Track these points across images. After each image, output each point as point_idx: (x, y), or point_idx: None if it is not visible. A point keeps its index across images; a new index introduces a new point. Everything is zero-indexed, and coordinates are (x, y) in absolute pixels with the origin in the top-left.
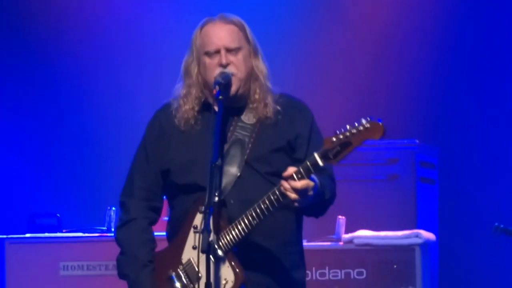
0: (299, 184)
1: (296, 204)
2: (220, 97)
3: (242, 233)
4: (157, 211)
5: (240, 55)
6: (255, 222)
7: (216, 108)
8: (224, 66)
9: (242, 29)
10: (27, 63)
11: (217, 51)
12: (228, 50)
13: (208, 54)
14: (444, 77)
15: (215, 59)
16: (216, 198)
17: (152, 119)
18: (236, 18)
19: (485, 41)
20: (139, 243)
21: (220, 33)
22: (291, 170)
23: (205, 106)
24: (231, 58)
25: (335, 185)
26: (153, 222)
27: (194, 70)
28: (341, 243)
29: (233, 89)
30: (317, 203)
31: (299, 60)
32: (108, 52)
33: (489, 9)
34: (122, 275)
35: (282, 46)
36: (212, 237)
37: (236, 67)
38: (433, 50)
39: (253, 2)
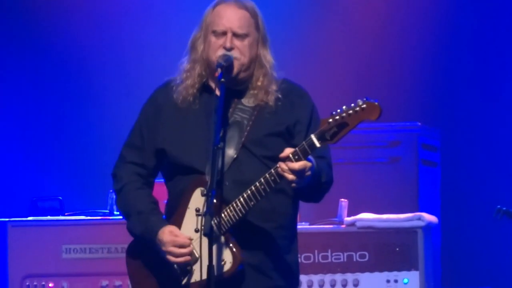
0: (297, 165)
1: (293, 185)
2: (222, 79)
3: (240, 213)
4: (150, 185)
5: (246, 41)
6: (252, 203)
7: (217, 90)
8: (228, 49)
9: (254, 15)
10: (30, 49)
11: (224, 33)
12: (235, 35)
13: (215, 33)
14: (447, 59)
15: (220, 40)
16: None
17: (150, 97)
18: (250, 3)
19: (487, 23)
20: (138, 200)
21: (231, 16)
22: (288, 151)
23: (204, 87)
24: (237, 42)
25: (332, 171)
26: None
27: (200, 46)
28: (343, 226)
29: (234, 72)
30: (314, 185)
31: (299, 44)
32: (112, 37)
33: None
34: (139, 236)
35: (281, 31)
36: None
37: (240, 52)
38: (435, 32)
39: None
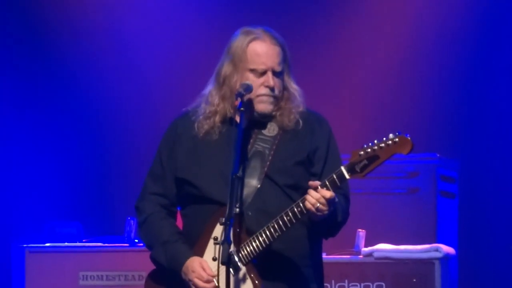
0: (328, 193)
1: (317, 213)
2: (242, 108)
3: (264, 244)
4: (173, 215)
5: (281, 77)
6: (277, 234)
7: (238, 119)
8: (272, 88)
9: (283, 49)
10: (48, 68)
11: (264, 72)
12: (273, 72)
13: (253, 71)
14: (465, 91)
15: (261, 79)
16: (237, 210)
17: (169, 126)
18: (277, 35)
19: (506, 55)
20: (163, 230)
21: (270, 55)
22: (316, 182)
23: (225, 118)
24: (275, 79)
25: (349, 205)
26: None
27: (234, 83)
28: (360, 256)
29: (271, 108)
30: (329, 222)
31: (320, 72)
32: (132, 54)
33: None
34: (165, 266)
35: (303, 58)
36: (232, 248)
37: (278, 90)
38: (454, 64)
39: (272, 8)
